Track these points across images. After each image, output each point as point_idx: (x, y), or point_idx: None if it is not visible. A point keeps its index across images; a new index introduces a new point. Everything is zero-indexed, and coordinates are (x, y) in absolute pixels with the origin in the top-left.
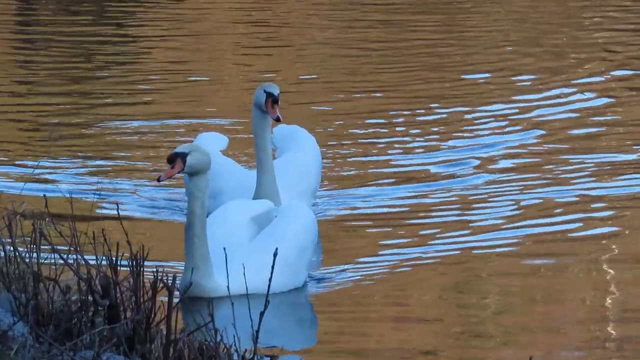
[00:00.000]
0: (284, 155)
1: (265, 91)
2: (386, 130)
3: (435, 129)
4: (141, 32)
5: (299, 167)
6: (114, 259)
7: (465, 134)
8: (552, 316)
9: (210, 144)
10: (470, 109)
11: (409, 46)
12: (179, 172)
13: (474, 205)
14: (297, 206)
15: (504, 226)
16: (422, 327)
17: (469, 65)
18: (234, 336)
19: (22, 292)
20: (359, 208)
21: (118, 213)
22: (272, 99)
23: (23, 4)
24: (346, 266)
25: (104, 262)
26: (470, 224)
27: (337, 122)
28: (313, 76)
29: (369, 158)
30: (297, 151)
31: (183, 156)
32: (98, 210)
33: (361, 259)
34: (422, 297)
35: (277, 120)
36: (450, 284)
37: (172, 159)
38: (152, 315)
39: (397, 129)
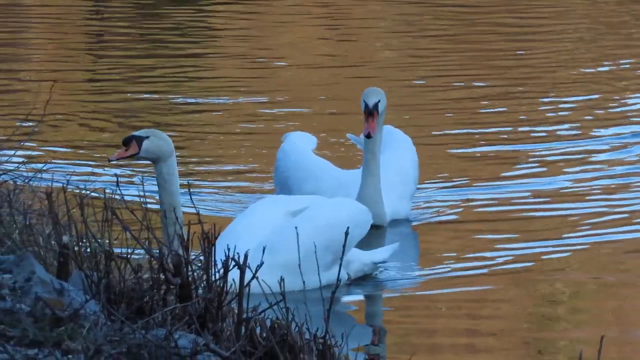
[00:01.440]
0: (381, 156)
1: (363, 100)
2: (473, 126)
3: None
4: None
5: (397, 169)
6: (185, 237)
7: (544, 134)
8: (631, 335)
9: (300, 144)
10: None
11: (488, 40)
12: (132, 155)
13: (569, 206)
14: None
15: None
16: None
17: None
18: (305, 315)
19: (94, 270)
20: (454, 207)
21: (190, 194)
22: (366, 111)
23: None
24: (430, 269)
25: (175, 241)
26: (567, 229)
27: (425, 118)
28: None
29: (458, 151)
30: (394, 152)
31: (139, 139)
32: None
33: (449, 262)
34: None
35: (367, 137)
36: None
37: (127, 142)
38: (224, 294)
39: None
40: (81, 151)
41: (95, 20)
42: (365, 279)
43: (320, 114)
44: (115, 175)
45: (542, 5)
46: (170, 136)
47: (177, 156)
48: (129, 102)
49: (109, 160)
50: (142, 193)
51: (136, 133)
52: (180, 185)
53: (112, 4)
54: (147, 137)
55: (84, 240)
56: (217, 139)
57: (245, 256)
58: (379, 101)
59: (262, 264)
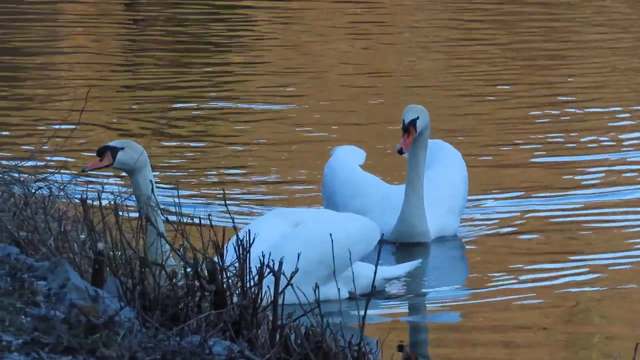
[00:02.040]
0: (429, 171)
1: (402, 117)
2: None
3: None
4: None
5: (446, 184)
6: (220, 244)
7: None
8: None
9: (348, 157)
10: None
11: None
12: (106, 166)
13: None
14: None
15: None
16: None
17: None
18: (340, 322)
19: (129, 277)
20: (504, 223)
21: (225, 201)
22: (402, 128)
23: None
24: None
25: (210, 248)
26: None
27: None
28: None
29: (502, 167)
30: (443, 167)
31: (114, 150)
32: (204, 197)
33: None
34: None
35: (399, 152)
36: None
37: (101, 152)
38: (259, 301)
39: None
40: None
41: (130, 26)
42: (404, 292)
43: (366, 124)
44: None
45: (585, 15)
46: (204, 144)
47: (213, 165)
48: (164, 109)
49: (83, 170)
50: (176, 200)
51: (111, 143)
52: (221, 195)
53: (148, 10)
54: (122, 149)
55: (119, 247)
56: (254, 148)
57: (280, 263)
58: (417, 118)
59: (297, 270)
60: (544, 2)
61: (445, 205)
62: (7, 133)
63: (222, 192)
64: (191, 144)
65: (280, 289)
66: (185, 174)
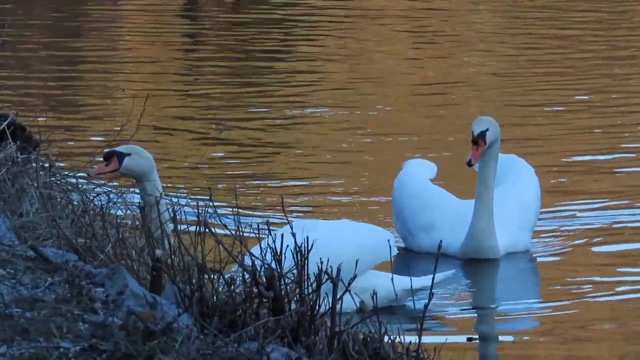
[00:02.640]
0: (501, 186)
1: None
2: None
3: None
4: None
5: (518, 200)
6: (278, 250)
7: None
8: None
9: (418, 171)
10: None
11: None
12: (112, 172)
13: None
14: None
15: None
16: None
17: None
18: (398, 328)
19: (187, 284)
20: (577, 238)
21: (283, 206)
22: (472, 139)
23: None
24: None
25: (268, 254)
26: None
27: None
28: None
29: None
30: (516, 182)
31: (120, 156)
32: (261, 203)
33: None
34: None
35: (467, 164)
36: None
37: (108, 157)
38: (317, 307)
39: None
40: (174, 165)
41: (189, 32)
42: (470, 303)
43: (436, 137)
44: (209, 188)
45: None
46: (267, 151)
47: (273, 171)
48: (223, 116)
49: (88, 175)
50: (234, 205)
51: (118, 149)
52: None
53: (208, 13)
54: (129, 154)
55: (177, 254)
56: (317, 157)
57: (339, 270)
58: (487, 130)
59: (355, 277)
60: (617, 10)
61: (516, 221)
62: (66, 140)
63: (281, 198)
64: (253, 151)
65: (338, 296)
66: (245, 181)
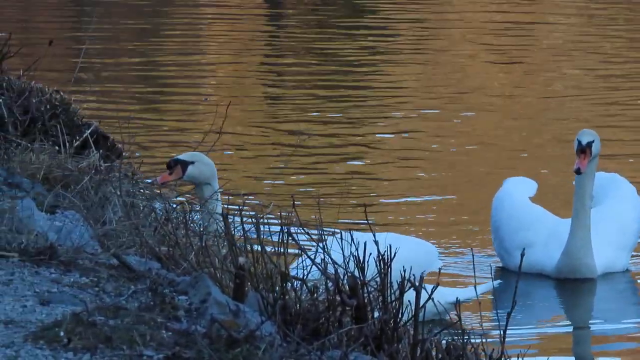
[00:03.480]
0: (601, 205)
1: (577, 139)
2: None
3: None
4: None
5: (618, 219)
6: (361, 258)
7: None
8: None
9: (517, 189)
10: None
11: None
12: (176, 180)
13: None
14: None
15: None
16: None
17: None
18: (481, 336)
19: (270, 291)
20: None
21: (366, 215)
22: (579, 149)
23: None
24: None
25: (351, 262)
26: None
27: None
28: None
29: None
30: (616, 202)
31: (184, 164)
32: (344, 212)
33: None
34: None
35: (576, 172)
36: None
37: (171, 165)
38: (399, 315)
39: None
40: (255, 173)
41: (269, 36)
42: (566, 320)
43: (539, 154)
44: (292, 196)
45: None
46: (349, 155)
47: (359, 184)
48: (304, 121)
49: (152, 184)
50: (317, 213)
51: (180, 157)
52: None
53: (289, 18)
54: (192, 163)
55: (260, 262)
56: (406, 171)
57: (421, 277)
58: (593, 141)
59: (437, 285)
60: None
61: (614, 241)
62: (149, 148)
63: (363, 205)
64: (336, 160)
65: (421, 304)
66: (327, 190)
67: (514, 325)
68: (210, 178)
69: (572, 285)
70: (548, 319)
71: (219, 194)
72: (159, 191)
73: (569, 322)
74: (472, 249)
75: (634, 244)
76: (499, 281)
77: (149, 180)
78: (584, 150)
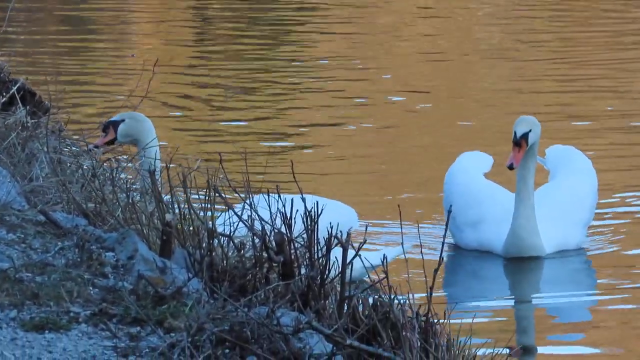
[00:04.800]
0: (554, 179)
1: (513, 129)
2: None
3: None
4: None
5: (571, 194)
6: (288, 214)
7: None
8: None
9: (473, 164)
10: None
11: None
12: (111, 141)
13: None
14: None
15: None
16: None
17: None
18: (407, 293)
19: (197, 248)
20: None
21: (292, 171)
22: (513, 141)
23: None
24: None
25: (278, 219)
26: None
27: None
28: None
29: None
30: (570, 176)
31: (115, 124)
32: (270, 167)
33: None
34: None
35: (509, 167)
36: None
37: (105, 128)
38: (327, 272)
39: None
40: (184, 130)
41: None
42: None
43: (493, 129)
44: (218, 153)
45: None
46: (278, 118)
47: (284, 140)
48: (227, 80)
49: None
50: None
51: (113, 118)
52: None
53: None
54: (123, 121)
55: (187, 218)
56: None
57: (348, 234)
58: (530, 131)
59: (365, 241)
60: None
61: (568, 217)
62: (75, 106)
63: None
64: (263, 117)
65: (348, 260)
66: (255, 147)
67: (455, 300)
68: (142, 133)
69: (519, 263)
70: (492, 293)
71: (158, 151)
72: (85, 147)
73: (510, 296)
74: (400, 213)
75: (589, 219)
76: (400, 247)
77: (90, 147)
78: (518, 143)
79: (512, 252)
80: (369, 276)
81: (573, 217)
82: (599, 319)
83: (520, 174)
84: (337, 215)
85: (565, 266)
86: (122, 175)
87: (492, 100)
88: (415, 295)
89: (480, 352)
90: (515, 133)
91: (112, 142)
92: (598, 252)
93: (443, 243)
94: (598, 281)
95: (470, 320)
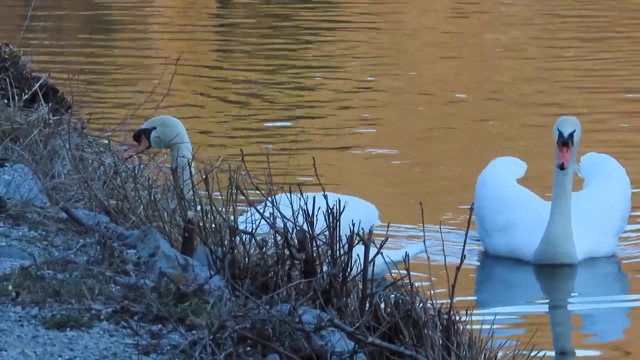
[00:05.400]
0: (587, 187)
1: (557, 129)
2: None
3: None
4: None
5: (604, 202)
6: (310, 212)
7: None
8: None
9: (505, 170)
10: None
11: None
12: (146, 149)
13: None
14: None
15: None
16: None
17: None
18: (430, 291)
19: (219, 245)
20: None
21: (315, 168)
22: (560, 141)
23: None
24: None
25: (300, 216)
26: None
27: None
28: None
29: None
30: (603, 184)
31: (147, 132)
32: (294, 164)
33: None
34: None
35: (559, 167)
36: None
37: (137, 137)
38: (349, 269)
39: None
40: (207, 127)
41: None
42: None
43: (527, 136)
44: (241, 150)
45: None
46: (303, 115)
47: (307, 137)
48: (252, 81)
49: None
50: (267, 167)
51: (144, 126)
52: None
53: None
54: (154, 128)
55: (209, 215)
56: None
57: (370, 232)
58: (574, 131)
59: (387, 239)
60: None
61: (600, 225)
62: (98, 102)
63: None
64: (288, 115)
65: (370, 258)
66: (278, 144)
67: (483, 306)
68: (178, 138)
69: (551, 270)
70: (520, 298)
71: (191, 159)
72: (108, 144)
73: (545, 301)
74: (422, 211)
75: (621, 228)
76: (424, 242)
77: (124, 148)
78: (566, 142)
79: (545, 259)
80: (391, 273)
81: (605, 225)
82: (634, 326)
83: (558, 179)
84: (358, 212)
85: (597, 273)
86: (145, 173)
87: (523, 102)
88: (438, 294)
89: (501, 354)
90: (561, 133)
91: (145, 149)
92: (629, 260)
93: (465, 239)
94: (630, 286)
95: (492, 319)
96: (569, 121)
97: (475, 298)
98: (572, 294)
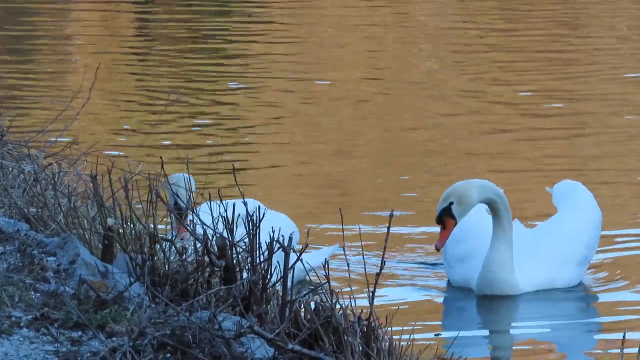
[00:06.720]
0: (553, 216)
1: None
2: None
3: None
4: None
5: (566, 231)
6: (230, 219)
7: None
8: None
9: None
10: None
11: None
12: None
13: None
14: None
15: None
16: None
17: None
18: (349, 297)
19: (139, 253)
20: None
21: (234, 173)
22: (436, 221)
23: None
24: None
25: (220, 224)
26: None
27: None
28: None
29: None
30: (569, 213)
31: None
32: (214, 171)
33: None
34: None
35: (436, 249)
36: None
37: (439, 220)
38: (268, 276)
39: None
40: (127, 134)
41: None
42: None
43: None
44: (160, 157)
45: None
46: (223, 121)
47: (228, 144)
48: (176, 87)
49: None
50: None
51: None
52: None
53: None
54: (451, 204)
55: (129, 223)
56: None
57: (290, 238)
58: (450, 204)
59: (307, 245)
60: None
61: (557, 254)
62: (17, 109)
63: (232, 167)
64: (208, 121)
65: (290, 265)
66: (198, 151)
67: (405, 315)
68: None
69: (491, 302)
70: (456, 321)
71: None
72: (27, 152)
73: (479, 326)
74: (342, 216)
75: (586, 257)
76: (336, 245)
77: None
78: (439, 221)
79: (484, 289)
80: (309, 277)
81: (565, 255)
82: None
83: (505, 206)
84: (278, 221)
85: (540, 304)
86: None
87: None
88: (358, 302)
89: (422, 357)
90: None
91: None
92: (593, 290)
93: (385, 247)
94: (567, 315)
95: (411, 327)
96: (446, 195)
97: (414, 323)
98: (512, 324)
